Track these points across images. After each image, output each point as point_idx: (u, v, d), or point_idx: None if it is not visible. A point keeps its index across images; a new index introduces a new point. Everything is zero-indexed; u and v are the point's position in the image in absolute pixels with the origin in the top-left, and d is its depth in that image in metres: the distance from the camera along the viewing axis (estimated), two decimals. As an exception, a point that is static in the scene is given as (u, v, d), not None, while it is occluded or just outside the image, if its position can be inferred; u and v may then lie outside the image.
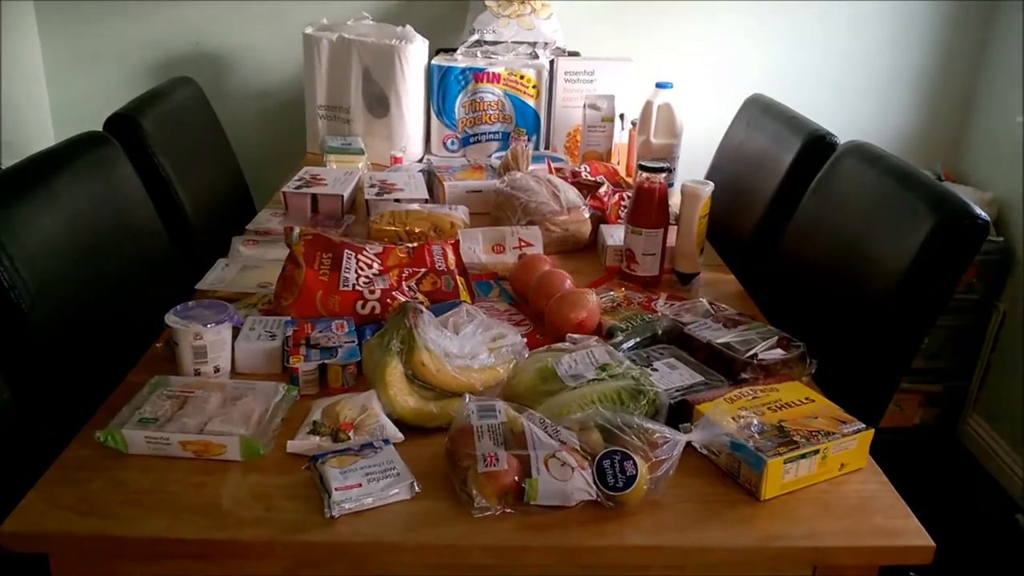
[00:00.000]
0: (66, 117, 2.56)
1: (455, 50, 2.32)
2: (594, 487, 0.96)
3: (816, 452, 1.03)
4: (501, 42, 2.30)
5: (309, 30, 2.26)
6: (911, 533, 0.98)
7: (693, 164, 2.17)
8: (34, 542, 0.92)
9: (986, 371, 2.62)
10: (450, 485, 0.99)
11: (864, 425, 1.07)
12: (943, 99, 2.68)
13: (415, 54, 2.21)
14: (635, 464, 0.97)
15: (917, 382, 2.63)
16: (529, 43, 2.31)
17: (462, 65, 2.26)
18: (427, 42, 2.26)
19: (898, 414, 2.65)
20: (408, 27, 2.26)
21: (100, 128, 1.66)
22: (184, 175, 1.81)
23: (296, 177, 1.91)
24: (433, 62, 2.27)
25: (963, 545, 2.21)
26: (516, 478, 0.96)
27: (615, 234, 1.69)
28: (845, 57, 2.62)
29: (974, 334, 2.60)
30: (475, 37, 2.29)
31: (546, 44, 2.32)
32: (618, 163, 2.22)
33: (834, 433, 1.05)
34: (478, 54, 2.29)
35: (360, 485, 0.96)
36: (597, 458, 0.97)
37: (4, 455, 1.09)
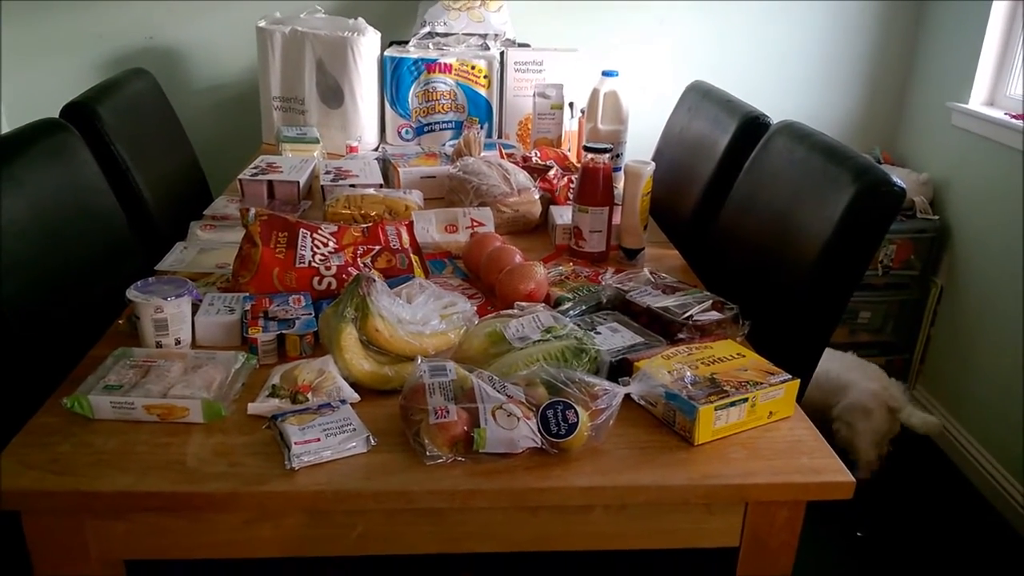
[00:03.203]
0: (20, 108, 2.57)
1: (407, 42, 2.37)
2: (538, 435, 1.03)
3: (745, 400, 1.10)
4: (452, 34, 2.36)
5: (262, 23, 2.31)
6: (833, 471, 1.06)
7: (640, 149, 2.24)
8: (6, 500, 0.96)
9: (927, 344, 2.74)
10: (404, 439, 1.05)
11: (790, 376, 1.15)
12: (880, 85, 2.80)
13: (367, 46, 2.27)
14: (576, 413, 1.04)
15: (862, 355, 2.73)
16: (480, 35, 2.38)
17: (414, 56, 2.32)
18: (379, 34, 2.32)
19: (844, 388, 2.76)
20: (360, 19, 2.31)
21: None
22: (141, 163, 1.85)
23: (252, 165, 1.96)
24: (386, 53, 2.32)
25: (908, 509, 2.32)
26: (465, 428, 1.02)
27: (564, 214, 1.76)
28: (785, 46, 2.73)
29: (914, 309, 2.72)
30: (427, 29, 2.35)
31: (496, 35, 2.38)
32: (569, 149, 2.29)
33: (762, 383, 1.13)
34: (430, 46, 2.35)
35: (319, 439, 1.02)
36: (541, 408, 1.04)
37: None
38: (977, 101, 2.49)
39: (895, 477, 2.43)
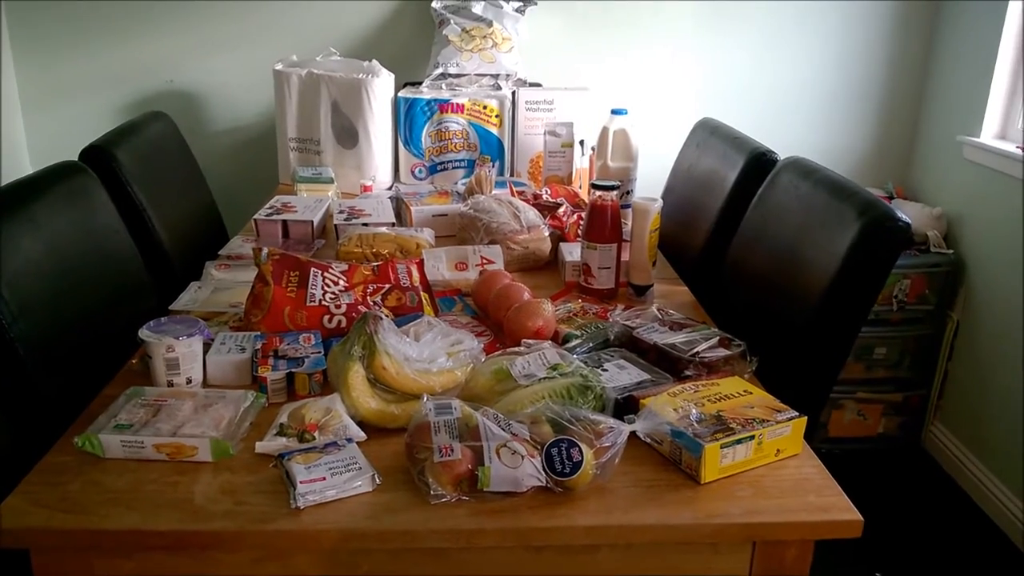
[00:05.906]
0: (43, 150, 2.62)
1: (421, 83, 2.42)
2: (543, 473, 1.03)
3: (752, 438, 1.10)
4: (464, 75, 2.40)
5: (279, 66, 2.36)
6: (841, 509, 1.05)
7: (651, 186, 2.26)
8: (16, 538, 0.97)
9: (944, 379, 2.71)
10: (410, 477, 1.06)
11: (797, 413, 1.15)
12: (891, 119, 2.81)
13: (382, 87, 2.31)
14: (581, 451, 1.04)
15: (879, 391, 2.71)
16: (491, 75, 2.42)
17: (427, 97, 2.36)
18: (393, 76, 2.36)
19: (862, 423, 2.73)
20: (375, 62, 2.36)
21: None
22: (158, 205, 1.88)
23: (267, 205, 1.99)
24: (400, 94, 2.36)
25: (928, 549, 2.28)
26: (470, 467, 1.02)
27: (574, 251, 1.77)
28: (796, 82, 2.75)
29: (931, 344, 2.70)
30: (439, 70, 2.39)
31: (508, 76, 2.42)
32: (580, 187, 2.31)
33: (768, 420, 1.13)
34: (443, 86, 2.39)
35: (324, 479, 1.03)
36: (545, 446, 1.04)
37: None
38: (988, 135, 2.49)
39: (914, 514, 2.39)
